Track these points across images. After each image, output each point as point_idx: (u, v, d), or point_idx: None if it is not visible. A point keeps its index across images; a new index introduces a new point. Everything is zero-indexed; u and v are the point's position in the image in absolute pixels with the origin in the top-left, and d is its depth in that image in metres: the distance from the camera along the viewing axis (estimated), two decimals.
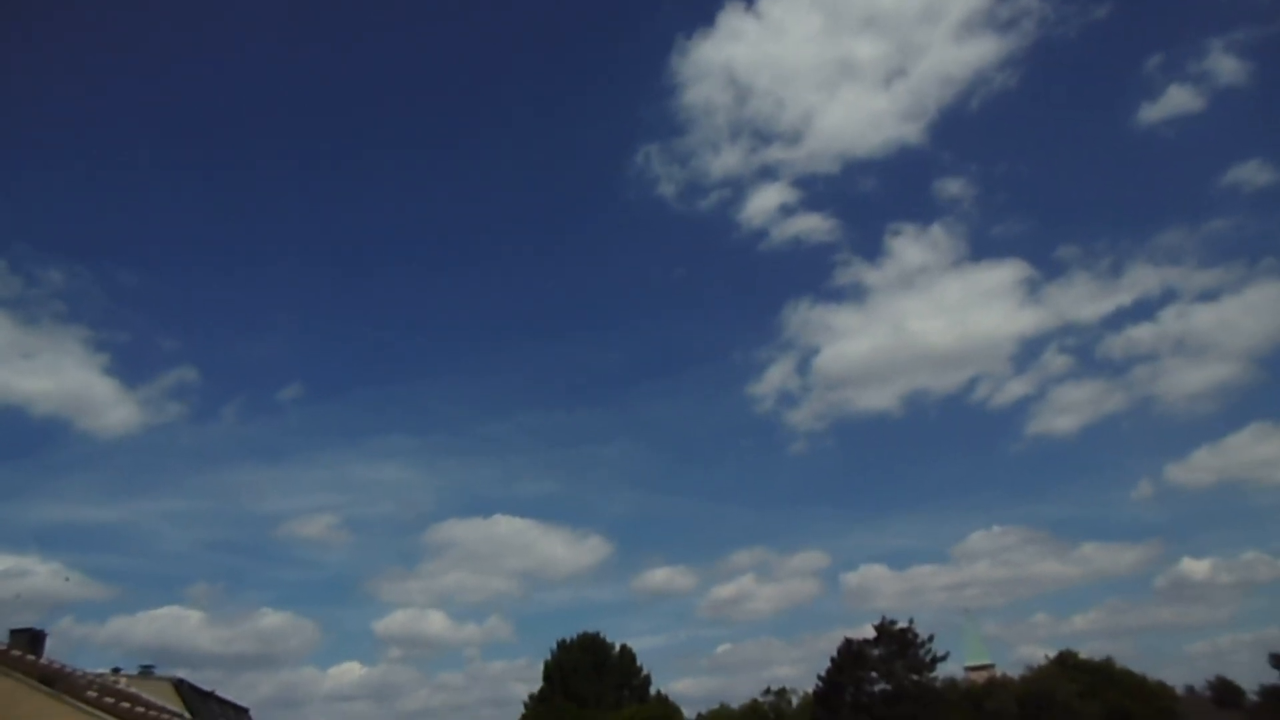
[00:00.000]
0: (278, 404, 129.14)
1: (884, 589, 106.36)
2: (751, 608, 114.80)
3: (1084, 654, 56.63)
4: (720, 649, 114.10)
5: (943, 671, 50.19)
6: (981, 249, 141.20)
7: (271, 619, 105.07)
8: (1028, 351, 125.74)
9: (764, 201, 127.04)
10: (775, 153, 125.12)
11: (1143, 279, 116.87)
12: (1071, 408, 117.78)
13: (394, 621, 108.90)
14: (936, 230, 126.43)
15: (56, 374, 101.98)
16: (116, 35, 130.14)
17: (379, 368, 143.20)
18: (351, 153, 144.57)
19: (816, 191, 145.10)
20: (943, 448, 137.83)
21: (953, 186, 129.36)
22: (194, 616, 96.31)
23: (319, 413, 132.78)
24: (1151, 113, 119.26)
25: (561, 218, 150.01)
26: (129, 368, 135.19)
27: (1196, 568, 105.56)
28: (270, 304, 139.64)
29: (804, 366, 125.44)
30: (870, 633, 50.02)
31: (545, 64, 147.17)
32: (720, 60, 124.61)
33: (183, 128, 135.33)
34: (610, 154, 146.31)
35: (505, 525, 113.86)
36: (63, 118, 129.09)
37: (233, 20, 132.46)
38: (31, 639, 27.64)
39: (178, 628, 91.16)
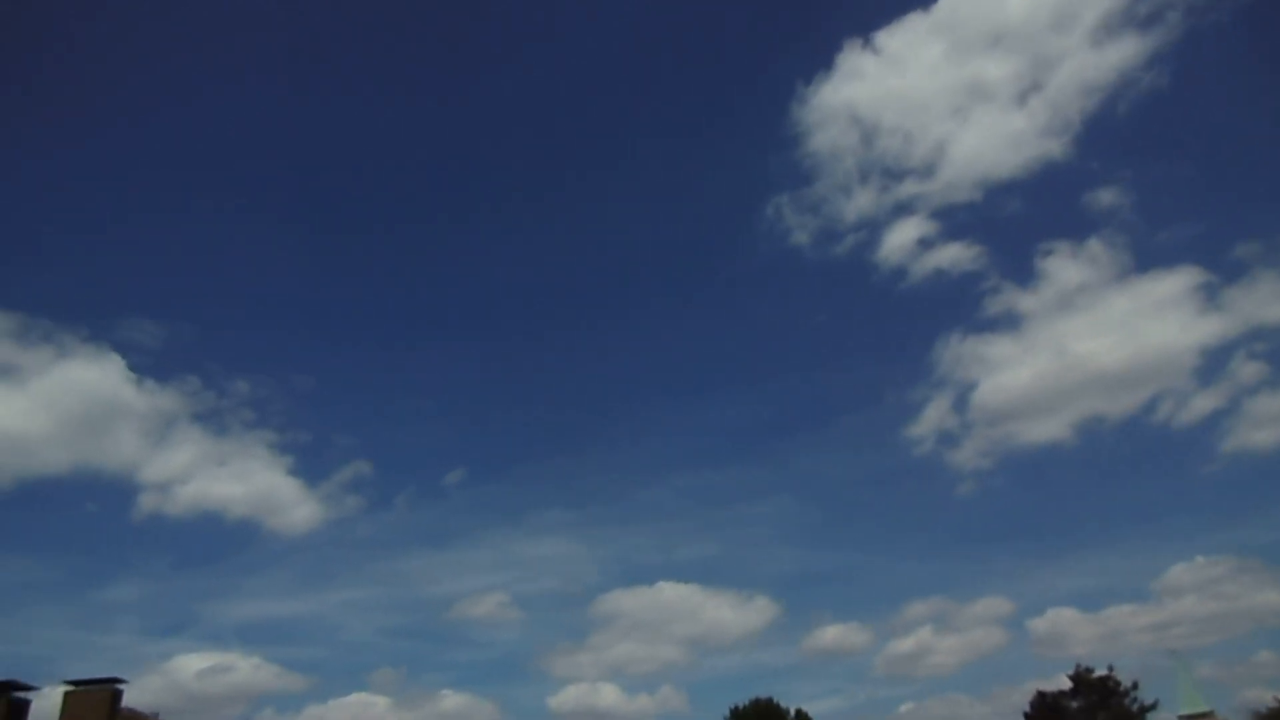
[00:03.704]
0: (444, 489, 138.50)
1: (1077, 634, 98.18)
2: (933, 662, 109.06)
3: None
4: (903, 708, 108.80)
5: None
6: (1146, 259, 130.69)
7: (453, 700, 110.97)
8: (1212, 362, 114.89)
9: (901, 238, 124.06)
10: (909, 188, 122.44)
11: None
12: (1270, 419, 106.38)
13: (568, 696, 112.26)
14: (1094, 245, 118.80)
15: (247, 479, 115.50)
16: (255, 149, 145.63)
17: (532, 443, 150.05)
18: (488, 231, 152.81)
19: (957, 221, 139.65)
20: (1127, 475, 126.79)
21: (1106, 197, 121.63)
22: (381, 702, 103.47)
23: (481, 494, 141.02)
24: None
25: (696, 277, 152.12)
26: (310, 466, 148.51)
27: None
28: (428, 391, 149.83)
29: (962, 403, 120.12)
30: (1065, 683, 46.97)
31: (668, 126, 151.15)
32: (842, 102, 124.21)
33: (327, 221, 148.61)
34: (740, 209, 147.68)
35: (669, 592, 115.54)
36: (227, 245, 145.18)
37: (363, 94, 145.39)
38: None
39: (366, 714, 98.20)
